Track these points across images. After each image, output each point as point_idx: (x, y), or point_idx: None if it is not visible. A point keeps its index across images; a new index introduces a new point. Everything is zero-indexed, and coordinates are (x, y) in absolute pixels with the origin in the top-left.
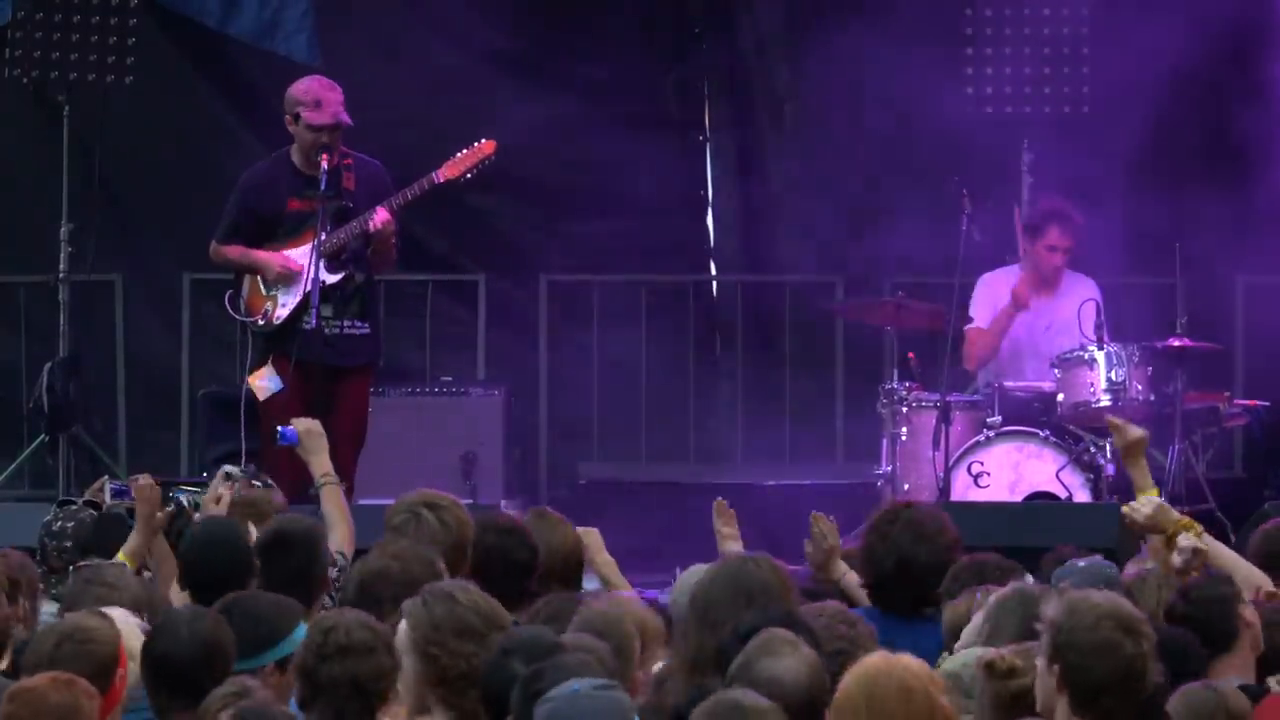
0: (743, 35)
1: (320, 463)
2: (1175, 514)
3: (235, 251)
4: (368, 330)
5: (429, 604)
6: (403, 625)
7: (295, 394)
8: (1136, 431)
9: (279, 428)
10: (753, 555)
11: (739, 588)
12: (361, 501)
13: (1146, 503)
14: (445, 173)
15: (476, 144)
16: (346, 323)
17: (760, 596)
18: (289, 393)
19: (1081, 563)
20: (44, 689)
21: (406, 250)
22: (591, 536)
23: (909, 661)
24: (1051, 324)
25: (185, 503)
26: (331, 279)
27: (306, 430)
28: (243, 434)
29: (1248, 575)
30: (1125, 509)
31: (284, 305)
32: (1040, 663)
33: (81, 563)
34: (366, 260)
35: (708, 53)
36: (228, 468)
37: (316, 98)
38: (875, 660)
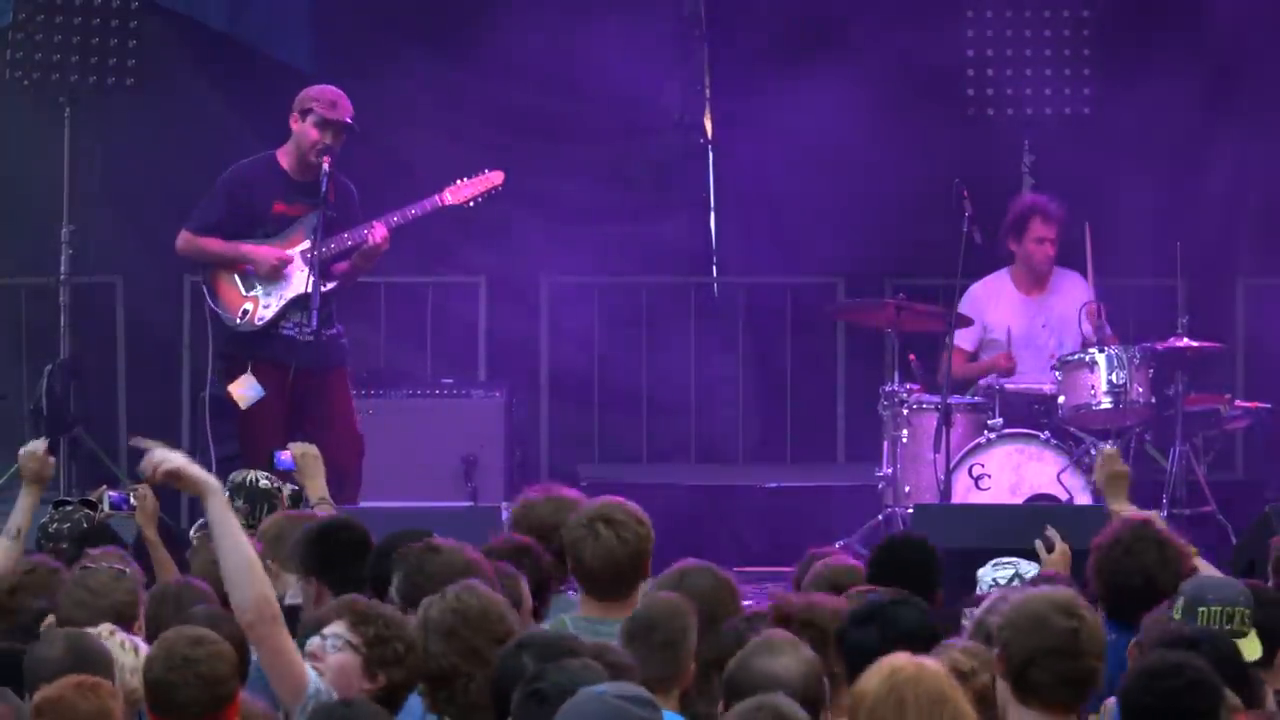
0: (744, 36)
1: (316, 486)
2: None
3: (216, 244)
4: (338, 332)
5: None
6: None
7: (279, 399)
8: (1122, 466)
9: (275, 453)
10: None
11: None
12: (363, 504)
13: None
14: (450, 197)
15: (485, 173)
16: (325, 329)
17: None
18: (277, 398)
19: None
20: (71, 698)
21: (407, 252)
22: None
23: (934, 665)
24: (1048, 322)
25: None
26: (326, 286)
27: (302, 454)
28: (209, 439)
29: None
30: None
31: (266, 306)
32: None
33: (84, 562)
34: (337, 269)
35: (708, 53)
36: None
37: (333, 99)
38: (901, 662)
